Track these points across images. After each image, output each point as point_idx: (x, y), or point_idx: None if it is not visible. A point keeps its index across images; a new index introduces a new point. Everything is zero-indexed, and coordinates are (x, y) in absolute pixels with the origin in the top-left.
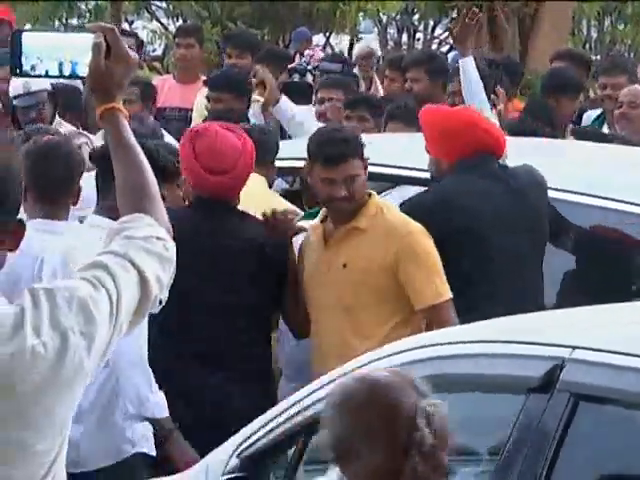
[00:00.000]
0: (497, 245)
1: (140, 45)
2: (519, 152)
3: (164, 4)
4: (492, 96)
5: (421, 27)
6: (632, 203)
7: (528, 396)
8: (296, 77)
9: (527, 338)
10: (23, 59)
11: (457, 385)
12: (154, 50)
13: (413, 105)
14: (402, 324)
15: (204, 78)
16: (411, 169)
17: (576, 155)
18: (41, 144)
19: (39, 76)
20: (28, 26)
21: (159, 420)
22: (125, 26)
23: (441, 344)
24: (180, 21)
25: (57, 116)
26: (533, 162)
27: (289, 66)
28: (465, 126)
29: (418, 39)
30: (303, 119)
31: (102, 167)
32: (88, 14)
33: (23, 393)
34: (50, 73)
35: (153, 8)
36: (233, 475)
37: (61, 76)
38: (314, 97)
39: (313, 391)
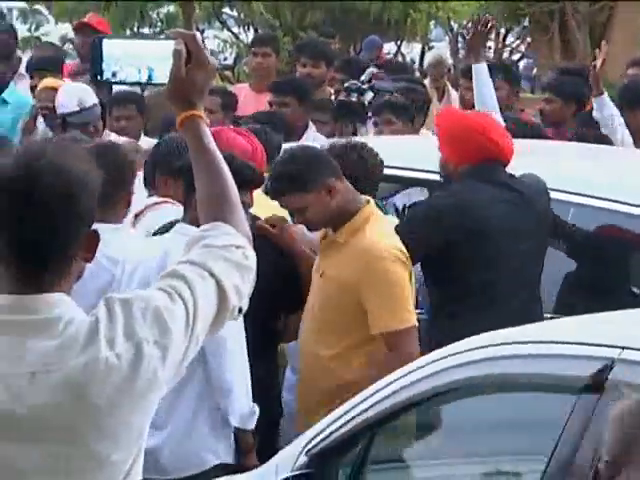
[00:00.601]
0: (503, 251)
1: (209, 54)
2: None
3: (235, 13)
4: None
5: (492, 35)
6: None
7: (579, 396)
8: (354, 96)
9: (578, 339)
10: (104, 66)
11: (514, 384)
12: (225, 59)
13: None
14: (365, 341)
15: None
16: (420, 171)
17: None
18: (91, 147)
19: (119, 83)
20: None
21: (246, 431)
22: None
23: (503, 344)
24: (251, 30)
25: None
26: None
27: (345, 84)
28: (473, 132)
29: (489, 47)
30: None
31: (188, 179)
32: (160, 23)
33: (97, 404)
34: (129, 80)
35: (224, 17)
36: (299, 472)
37: (139, 83)
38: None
39: (379, 390)
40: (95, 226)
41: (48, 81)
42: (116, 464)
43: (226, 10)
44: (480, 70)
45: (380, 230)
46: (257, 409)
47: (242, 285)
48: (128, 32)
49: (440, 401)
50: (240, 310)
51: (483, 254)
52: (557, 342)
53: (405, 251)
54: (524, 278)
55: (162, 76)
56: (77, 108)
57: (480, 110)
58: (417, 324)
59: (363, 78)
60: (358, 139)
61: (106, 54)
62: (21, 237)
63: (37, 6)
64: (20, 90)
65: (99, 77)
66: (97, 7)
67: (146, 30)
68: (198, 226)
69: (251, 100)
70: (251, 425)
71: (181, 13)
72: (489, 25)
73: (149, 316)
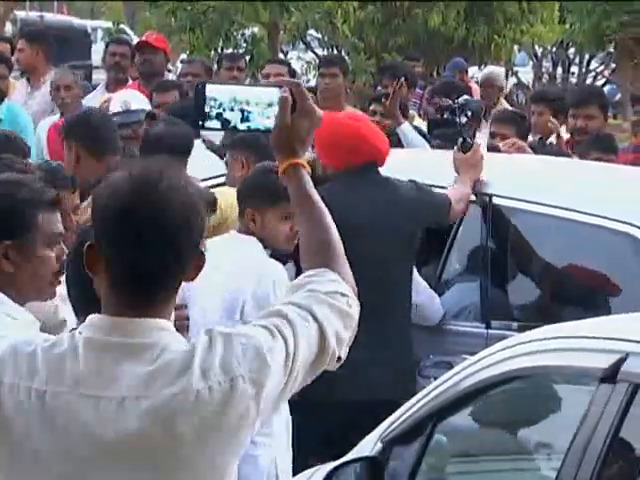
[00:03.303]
0: (363, 248)
1: (292, 74)
2: None
3: (320, 35)
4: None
5: (576, 60)
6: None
7: (598, 386)
8: (447, 115)
9: (597, 334)
10: (207, 110)
11: (546, 376)
12: (308, 81)
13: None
14: None
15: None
16: None
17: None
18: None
19: (220, 129)
20: (183, 55)
21: None
22: (280, 56)
23: (535, 340)
24: (335, 52)
25: None
26: None
27: (439, 104)
28: (346, 136)
29: (573, 73)
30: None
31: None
32: (244, 43)
33: (183, 436)
34: (230, 126)
35: (309, 39)
36: (364, 455)
37: (240, 129)
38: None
39: (448, 379)
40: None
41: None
42: None
43: (311, 32)
44: (404, 131)
45: None
46: None
47: (343, 332)
48: (212, 53)
49: (489, 393)
50: (339, 358)
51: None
52: (579, 337)
53: None
54: (381, 281)
55: (259, 122)
56: (120, 108)
57: None
58: None
59: (459, 100)
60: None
61: (209, 99)
62: (141, 262)
63: (122, 26)
64: (16, 106)
65: (201, 123)
66: (182, 27)
67: (230, 51)
68: None
69: None
70: None
71: (266, 34)
72: (399, 87)
73: (249, 352)
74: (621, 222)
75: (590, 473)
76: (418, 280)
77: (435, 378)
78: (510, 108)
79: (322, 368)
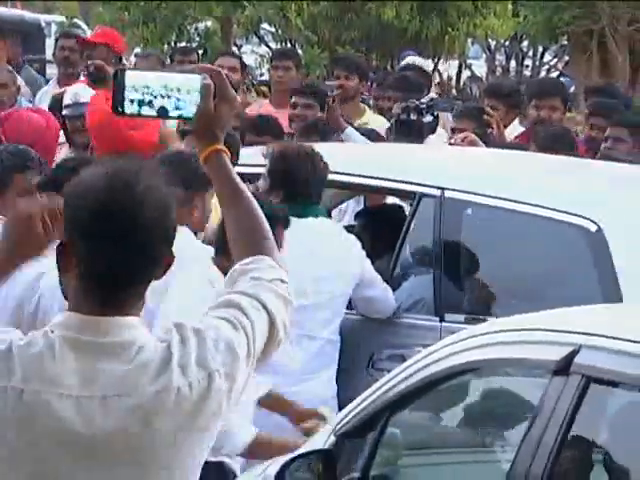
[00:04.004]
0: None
1: (244, 67)
2: None
3: (273, 29)
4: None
5: (530, 53)
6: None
7: (551, 378)
8: (413, 116)
9: (550, 327)
10: (126, 96)
11: (499, 369)
12: (262, 75)
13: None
14: None
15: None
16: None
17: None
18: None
19: (138, 115)
20: (138, 50)
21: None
22: (234, 50)
23: (491, 333)
24: (289, 46)
25: None
26: None
27: (403, 105)
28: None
29: (527, 65)
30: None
31: None
32: (198, 37)
33: (164, 433)
34: (148, 113)
35: (262, 32)
36: (318, 448)
37: (160, 116)
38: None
39: (401, 371)
40: None
41: None
42: None
43: (264, 26)
44: (348, 135)
45: None
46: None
47: (286, 318)
48: (166, 47)
49: (443, 386)
50: (279, 343)
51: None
52: (532, 329)
53: None
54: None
55: (185, 109)
56: (70, 101)
57: None
58: None
59: (423, 100)
60: (307, 144)
61: (128, 86)
62: (116, 262)
63: (75, 20)
64: None
65: (120, 109)
66: (135, 22)
67: (184, 45)
68: None
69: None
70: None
71: (219, 28)
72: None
73: (221, 346)
74: (573, 215)
75: (543, 465)
76: (371, 274)
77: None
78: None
79: (270, 357)
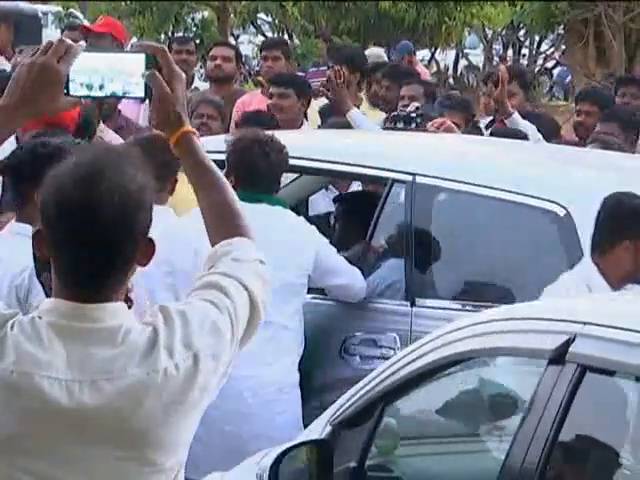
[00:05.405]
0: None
1: (239, 57)
2: None
3: (270, 18)
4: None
5: (527, 42)
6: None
7: (546, 367)
8: (400, 125)
9: (545, 315)
10: (72, 78)
11: (495, 358)
12: (259, 64)
13: None
14: None
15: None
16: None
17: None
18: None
19: (86, 97)
20: (134, 39)
21: None
22: (231, 40)
23: (486, 322)
24: (286, 36)
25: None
26: None
27: (392, 114)
28: None
29: (524, 55)
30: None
31: (15, 177)
32: (194, 27)
33: (153, 413)
34: (92, 94)
35: (259, 22)
36: (314, 438)
37: (107, 97)
38: None
39: (397, 360)
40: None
41: None
42: (168, 471)
43: (261, 15)
44: (352, 117)
45: None
46: None
47: (265, 299)
48: (163, 37)
49: (438, 375)
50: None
51: None
52: (527, 318)
53: None
54: None
55: (123, 88)
56: None
57: None
58: None
59: (411, 109)
60: (265, 132)
61: (74, 67)
62: (84, 254)
63: (72, 10)
64: None
65: (65, 91)
66: (131, 11)
67: (181, 34)
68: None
69: (263, 106)
70: None
71: (216, 18)
72: (342, 79)
73: (206, 327)
74: (544, 200)
75: (539, 454)
76: (333, 262)
77: (361, 356)
78: None
79: (252, 337)
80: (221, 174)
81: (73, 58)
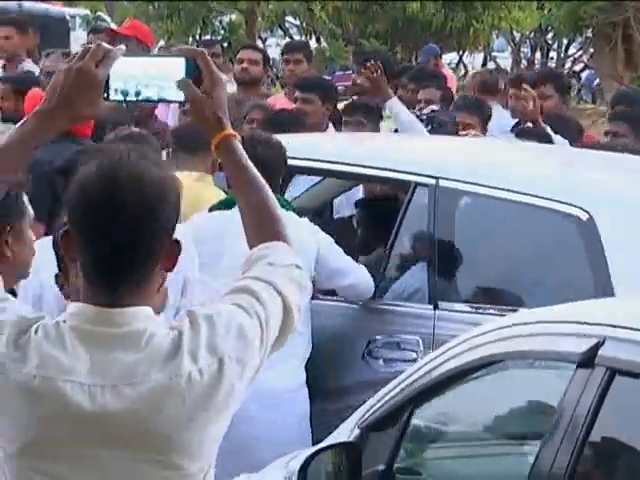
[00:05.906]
0: None
1: (266, 60)
2: None
3: (298, 22)
4: None
5: (555, 45)
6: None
7: (575, 370)
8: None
9: (574, 319)
10: (110, 83)
11: (524, 361)
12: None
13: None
14: None
15: None
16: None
17: None
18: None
19: (126, 102)
20: (162, 42)
21: None
22: (258, 43)
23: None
24: (314, 39)
25: None
26: None
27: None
28: None
29: (551, 58)
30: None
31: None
32: (222, 30)
33: (176, 418)
34: (133, 98)
35: (287, 25)
36: (342, 441)
37: (149, 100)
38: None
39: (425, 364)
40: None
41: None
42: (192, 475)
43: (289, 18)
44: (393, 105)
45: None
46: None
47: (301, 304)
48: (190, 40)
49: (467, 378)
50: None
51: None
52: (556, 322)
53: None
54: None
55: (172, 93)
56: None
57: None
58: None
59: (425, 111)
60: (264, 132)
61: (113, 73)
62: (107, 249)
63: (100, 13)
64: None
65: (105, 95)
66: (159, 14)
67: (208, 37)
68: None
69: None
70: None
71: (243, 21)
72: (378, 70)
73: (233, 332)
74: (565, 203)
75: (568, 458)
76: (339, 263)
77: (384, 358)
78: None
79: (284, 342)
80: (262, 179)
81: (112, 62)
